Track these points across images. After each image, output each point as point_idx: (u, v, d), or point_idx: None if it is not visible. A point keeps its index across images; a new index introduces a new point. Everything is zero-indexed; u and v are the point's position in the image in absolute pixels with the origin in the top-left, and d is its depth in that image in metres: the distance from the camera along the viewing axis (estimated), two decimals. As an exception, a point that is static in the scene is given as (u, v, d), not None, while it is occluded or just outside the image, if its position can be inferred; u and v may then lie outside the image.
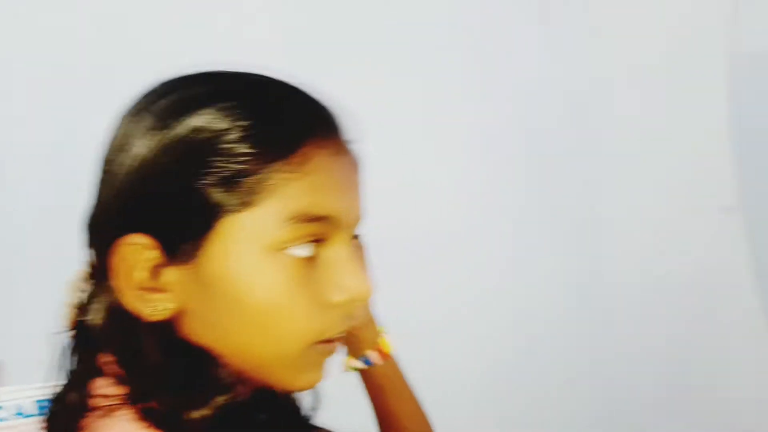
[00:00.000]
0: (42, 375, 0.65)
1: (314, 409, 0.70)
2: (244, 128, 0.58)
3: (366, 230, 0.70)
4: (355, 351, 0.88)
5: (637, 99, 1.62)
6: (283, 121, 0.60)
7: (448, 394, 1.43)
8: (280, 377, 0.61)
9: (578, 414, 1.60)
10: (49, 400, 0.64)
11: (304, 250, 0.59)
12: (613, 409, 1.61)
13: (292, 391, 0.64)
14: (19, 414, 0.96)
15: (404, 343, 0.92)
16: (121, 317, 0.59)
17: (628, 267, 1.64)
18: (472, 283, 1.54)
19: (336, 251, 0.61)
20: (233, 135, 0.58)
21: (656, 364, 1.63)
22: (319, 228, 0.60)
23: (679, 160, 1.64)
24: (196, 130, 0.58)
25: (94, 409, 0.59)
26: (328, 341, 0.62)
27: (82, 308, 0.63)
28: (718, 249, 1.66)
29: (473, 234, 1.54)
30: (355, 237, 0.66)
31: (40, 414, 0.88)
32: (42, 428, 0.64)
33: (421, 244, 1.50)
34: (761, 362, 1.67)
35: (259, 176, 0.58)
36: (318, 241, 0.61)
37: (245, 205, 0.58)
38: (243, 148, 0.58)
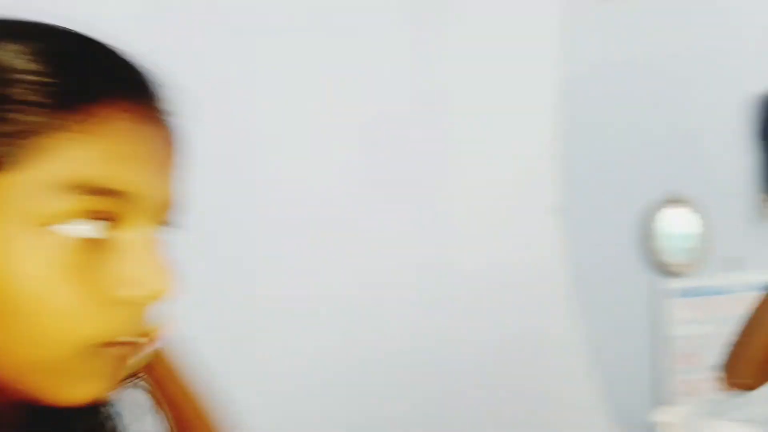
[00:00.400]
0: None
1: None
2: (26, 70, 0.48)
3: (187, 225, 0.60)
4: None
5: (469, 98, 1.62)
6: (78, 73, 0.49)
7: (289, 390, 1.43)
8: (48, 388, 0.49)
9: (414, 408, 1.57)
10: None
11: (86, 230, 0.48)
12: (426, 397, 1.58)
13: (65, 405, 0.51)
14: None
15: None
16: None
17: (455, 263, 1.62)
18: (319, 277, 1.49)
19: (130, 236, 0.50)
20: (11, 75, 0.47)
21: (468, 358, 1.61)
22: (109, 204, 0.49)
23: (505, 159, 1.65)
24: None
25: None
26: (114, 344, 0.51)
27: None
28: (538, 248, 1.68)
29: (325, 226, 1.50)
30: (164, 226, 0.55)
31: None
32: None
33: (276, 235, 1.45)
34: (573, 362, 1.70)
35: (33, 129, 0.47)
36: (109, 221, 0.50)
37: (7, 162, 0.47)
38: (18, 91, 0.47)
